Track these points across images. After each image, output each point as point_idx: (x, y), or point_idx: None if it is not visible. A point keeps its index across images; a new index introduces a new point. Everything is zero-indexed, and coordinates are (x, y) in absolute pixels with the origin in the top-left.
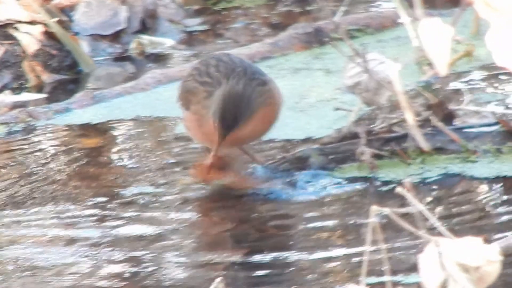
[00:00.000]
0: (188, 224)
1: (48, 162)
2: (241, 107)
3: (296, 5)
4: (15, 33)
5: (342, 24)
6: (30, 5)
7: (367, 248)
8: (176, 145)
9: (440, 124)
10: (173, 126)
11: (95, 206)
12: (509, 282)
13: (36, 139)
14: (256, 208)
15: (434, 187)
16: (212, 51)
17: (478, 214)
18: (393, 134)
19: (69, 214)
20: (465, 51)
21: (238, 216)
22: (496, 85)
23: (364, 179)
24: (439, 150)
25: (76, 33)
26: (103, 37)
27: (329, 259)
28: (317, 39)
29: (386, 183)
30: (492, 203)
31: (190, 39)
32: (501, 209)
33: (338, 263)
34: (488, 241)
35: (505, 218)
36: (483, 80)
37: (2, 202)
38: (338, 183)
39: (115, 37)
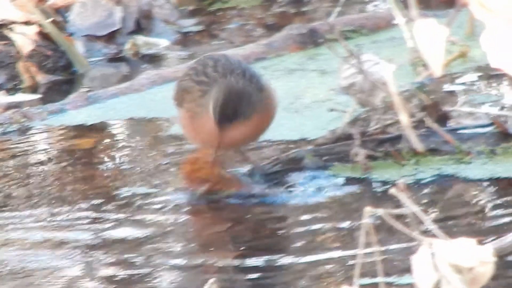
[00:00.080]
0: (181, 226)
1: (42, 163)
2: (241, 101)
3: (291, 6)
4: (10, 34)
5: (336, 25)
6: (25, 5)
7: (361, 249)
8: (171, 146)
9: (434, 125)
10: (167, 127)
11: (88, 208)
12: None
13: (30, 139)
14: (250, 211)
15: (428, 188)
16: (207, 52)
17: (471, 215)
18: (387, 135)
19: (62, 216)
20: (459, 52)
21: (232, 218)
22: (490, 86)
23: (358, 180)
24: (433, 151)
25: (71, 34)
26: (98, 37)
27: (323, 261)
28: (312, 40)
29: (380, 184)
30: (485, 204)
31: (185, 39)
32: (494, 211)
33: (332, 265)
34: (481, 242)
35: (498, 219)
36: (477, 81)
37: None
38: (332, 184)
39: (110, 37)
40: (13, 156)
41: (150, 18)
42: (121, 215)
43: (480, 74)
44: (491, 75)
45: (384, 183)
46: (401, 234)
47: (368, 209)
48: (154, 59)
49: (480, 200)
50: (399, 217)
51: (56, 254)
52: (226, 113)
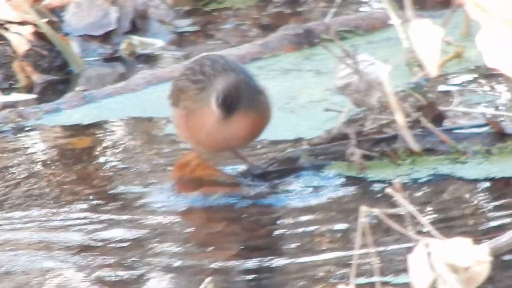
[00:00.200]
0: (176, 227)
1: (37, 163)
2: (242, 92)
3: (286, 6)
4: (5, 34)
5: (332, 25)
6: (20, 5)
7: (357, 249)
8: (166, 146)
9: (430, 125)
10: (163, 127)
11: (83, 208)
12: None
13: (25, 139)
14: (245, 211)
15: (424, 188)
16: (203, 52)
17: (467, 215)
18: (383, 135)
19: (57, 216)
20: (455, 53)
21: (227, 219)
22: (486, 86)
23: (354, 180)
24: (429, 151)
25: (67, 34)
26: (93, 37)
27: (319, 262)
28: (307, 40)
29: (375, 183)
30: (481, 204)
31: (180, 40)
32: (490, 210)
33: (328, 265)
34: (477, 242)
35: (494, 219)
36: (473, 81)
37: None
38: (328, 184)
39: (106, 37)
40: (8, 156)
41: (145, 18)
42: (116, 216)
43: (475, 74)
44: (486, 75)
45: (380, 182)
46: (397, 233)
47: (364, 209)
48: (149, 59)
49: (476, 200)
50: (395, 217)
51: (51, 255)
52: (228, 102)
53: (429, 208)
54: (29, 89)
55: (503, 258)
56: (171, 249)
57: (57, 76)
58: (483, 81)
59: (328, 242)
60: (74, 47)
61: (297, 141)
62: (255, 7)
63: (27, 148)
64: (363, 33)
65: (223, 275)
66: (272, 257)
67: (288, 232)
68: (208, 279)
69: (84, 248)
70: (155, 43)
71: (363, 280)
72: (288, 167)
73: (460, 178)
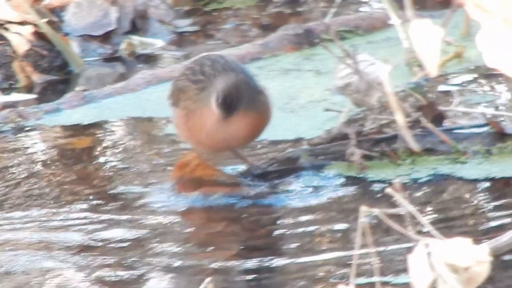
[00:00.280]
0: (176, 227)
1: (37, 163)
2: (243, 91)
3: (286, 6)
4: (5, 34)
5: (332, 25)
6: (20, 5)
7: (357, 249)
8: (166, 146)
9: (430, 125)
10: (163, 127)
11: (83, 208)
12: None
13: (25, 139)
14: (245, 211)
15: (424, 188)
16: (203, 52)
17: (467, 215)
18: (383, 135)
19: (57, 216)
20: (455, 53)
21: (227, 219)
22: (486, 86)
23: (354, 180)
24: (429, 151)
25: (67, 34)
26: (93, 37)
27: (319, 262)
28: (307, 40)
29: (375, 183)
30: (481, 204)
31: (180, 40)
32: (490, 210)
33: (328, 265)
34: (477, 242)
35: (494, 219)
36: (473, 81)
37: None
38: (328, 184)
39: (106, 37)
40: (8, 156)
41: (145, 18)
42: (116, 216)
43: (475, 74)
44: (486, 75)
45: (380, 182)
46: (397, 233)
47: (364, 209)
48: (149, 59)
49: (476, 200)
50: (395, 217)
51: (51, 255)
52: (228, 102)
53: (429, 208)
54: (29, 89)
55: (503, 258)
56: (171, 249)
57: (57, 76)
58: (483, 81)
59: (328, 242)
60: (74, 47)
61: (297, 141)
62: (255, 7)
63: (27, 148)
64: (363, 33)
65: (223, 275)
66: (272, 257)
67: (288, 232)
68: (208, 279)
69: (84, 248)
70: (155, 43)
71: (363, 280)
72: (288, 167)
73: (460, 178)
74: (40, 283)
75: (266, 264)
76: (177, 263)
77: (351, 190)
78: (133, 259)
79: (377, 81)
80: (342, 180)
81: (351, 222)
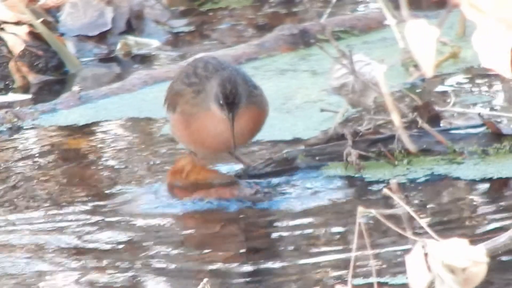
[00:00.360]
0: (173, 229)
1: (34, 163)
2: (240, 87)
3: (282, 7)
4: (1, 34)
5: (328, 25)
6: (16, 5)
7: (354, 250)
8: (163, 146)
9: (426, 126)
10: (159, 127)
11: (78, 209)
12: None
13: (22, 139)
14: (242, 213)
15: (420, 188)
16: (198, 52)
17: (464, 215)
18: (379, 136)
19: (52, 218)
20: (451, 53)
21: (224, 220)
22: (482, 86)
23: (351, 180)
24: (425, 152)
25: (62, 34)
26: (89, 38)
27: (317, 263)
28: (303, 40)
29: (372, 184)
30: (478, 205)
31: (176, 40)
32: (487, 211)
33: (325, 266)
34: (474, 242)
35: (491, 220)
36: (469, 81)
37: None
38: (325, 185)
39: (101, 38)
40: (4, 156)
41: (141, 18)
42: (111, 218)
43: (471, 74)
44: (482, 76)
45: (377, 183)
46: (394, 234)
47: (361, 209)
48: (145, 59)
49: (472, 200)
50: (392, 217)
51: (45, 257)
52: (231, 100)
53: (426, 209)
54: (25, 89)
55: (500, 258)
56: (167, 251)
57: (53, 76)
58: (479, 81)
59: (325, 243)
60: (70, 47)
61: (294, 141)
62: (250, 7)
63: (23, 148)
64: (359, 33)
65: (220, 278)
66: (269, 259)
67: (285, 233)
68: (205, 280)
69: (78, 250)
70: (150, 43)
71: (360, 281)
72: (285, 168)
73: (457, 179)
74: (33, 285)
75: (263, 265)
76: (173, 266)
77: (347, 190)
78: (129, 261)
79: (373, 81)
80: (339, 180)
81: (348, 222)
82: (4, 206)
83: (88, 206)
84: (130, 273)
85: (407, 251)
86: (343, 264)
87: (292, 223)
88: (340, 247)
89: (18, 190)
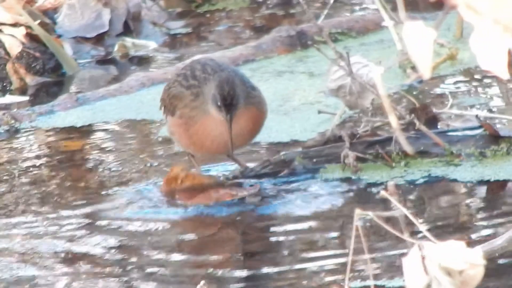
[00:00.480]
0: (168, 234)
1: (31, 165)
2: (238, 88)
3: (279, 8)
4: None
5: (325, 27)
6: (13, 7)
7: (351, 252)
8: (160, 148)
9: (423, 128)
10: (156, 129)
11: (75, 214)
12: None
13: (19, 141)
14: (239, 215)
15: (418, 190)
16: (196, 54)
17: (461, 217)
18: (376, 137)
19: (45, 222)
20: (448, 55)
21: (220, 226)
22: (479, 88)
23: (348, 182)
24: (422, 154)
25: (59, 36)
26: (86, 39)
27: (314, 265)
28: (300, 42)
29: (369, 186)
30: (475, 206)
31: (173, 41)
32: (484, 213)
33: (322, 268)
34: (471, 244)
35: (488, 222)
36: (466, 83)
37: None
38: (322, 186)
39: (99, 39)
40: (1, 158)
41: (138, 20)
42: (107, 221)
43: (469, 76)
44: (480, 78)
45: (374, 185)
46: (391, 236)
47: (358, 212)
48: (142, 61)
49: (470, 202)
50: (389, 219)
51: (38, 262)
52: (229, 101)
53: (423, 211)
54: (22, 91)
55: (497, 261)
56: (162, 255)
57: (51, 78)
58: (476, 83)
59: (322, 245)
60: (67, 49)
61: (291, 143)
62: (247, 9)
63: (21, 150)
64: (356, 35)
65: (216, 283)
66: (266, 262)
67: (282, 236)
68: (202, 282)
69: (72, 255)
70: (148, 45)
71: (357, 283)
72: (282, 170)
73: (454, 181)
74: None
75: (260, 270)
76: (168, 270)
77: (345, 192)
78: (123, 266)
79: (370, 83)
80: (336, 182)
81: (345, 225)
82: (1, 209)
83: (83, 210)
84: (124, 278)
85: (404, 253)
86: (341, 267)
87: (289, 226)
88: (337, 250)
89: (14, 193)
